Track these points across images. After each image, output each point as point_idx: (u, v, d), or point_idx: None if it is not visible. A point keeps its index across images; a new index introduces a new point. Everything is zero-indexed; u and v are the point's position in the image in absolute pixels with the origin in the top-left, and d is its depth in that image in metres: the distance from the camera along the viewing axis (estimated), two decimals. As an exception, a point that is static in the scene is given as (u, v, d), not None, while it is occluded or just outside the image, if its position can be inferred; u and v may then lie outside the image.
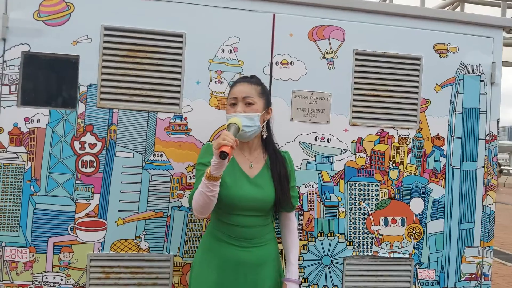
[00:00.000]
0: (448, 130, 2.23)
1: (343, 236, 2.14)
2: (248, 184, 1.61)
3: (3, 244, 1.90)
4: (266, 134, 1.72)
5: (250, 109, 1.64)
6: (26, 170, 1.91)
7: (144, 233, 1.98)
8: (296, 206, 1.79)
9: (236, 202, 1.57)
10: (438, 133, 2.22)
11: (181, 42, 2.00)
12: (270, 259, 1.68)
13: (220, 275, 1.61)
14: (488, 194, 2.26)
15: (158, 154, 2.00)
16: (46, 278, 1.93)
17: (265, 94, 1.73)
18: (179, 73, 2.00)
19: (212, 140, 2.01)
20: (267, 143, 1.75)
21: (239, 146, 1.71)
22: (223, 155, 1.39)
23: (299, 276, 1.68)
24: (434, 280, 2.22)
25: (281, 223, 1.80)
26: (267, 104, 1.72)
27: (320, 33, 2.10)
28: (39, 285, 1.93)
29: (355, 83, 2.13)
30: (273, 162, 1.70)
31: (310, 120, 2.10)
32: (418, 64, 2.19)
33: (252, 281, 1.61)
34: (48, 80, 1.93)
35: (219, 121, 2.01)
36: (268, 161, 1.72)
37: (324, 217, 2.13)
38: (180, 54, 2.00)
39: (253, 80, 1.73)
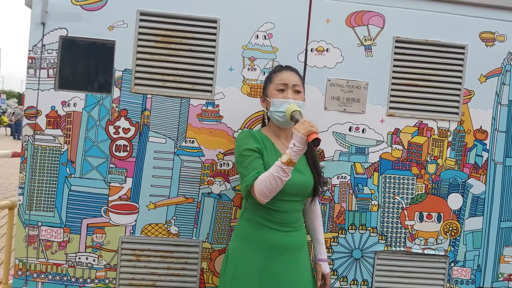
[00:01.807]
0: (492, 124, 2.11)
1: (375, 230, 2.08)
2: (293, 170, 1.59)
3: (39, 224, 1.96)
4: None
5: (299, 97, 1.67)
6: (62, 152, 1.95)
7: (174, 218, 2.00)
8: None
9: (284, 188, 1.55)
10: (481, 126, 2.11)
11: (215, 28, 1.97)
12: (305, 242, 1.72)
13: (265, 260, 1.60)
14: (532, 192, 2.13)
15: (189, 141, 1.99)
16: (79, 258, 1.98)
17: (304, 85, 1.76)
18: (212, 59, 1.98)
19: (244, 128, 1.98)
20: None
21: (276, 133, 1.73)
22: (317, 142, 1.41)
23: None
24: (470, 279, 2.13)
25: (307, 208, 1.81)
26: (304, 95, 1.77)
27: (358, 19, 2.02)
28: (72, 264, 1.98)
29: (394, 71, 2.04)
30: (307, 149, 1.67)
31: (345, 109, 2.04)
32: (462, 53, 2.07)
33: (294, 264, 1.64)
34: (85, 64, 1.95)
35: (251, 109, 1.99)
36: None
37: (356, 209, 2.07)
38: (214, 40, 1.98)
39: (296, 70, 1.75)
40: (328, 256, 2.05)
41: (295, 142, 1.45)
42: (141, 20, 1.95)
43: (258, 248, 1.62)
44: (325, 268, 1.77)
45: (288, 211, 1.63)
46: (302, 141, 1.44)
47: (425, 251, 2.10)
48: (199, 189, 2.01)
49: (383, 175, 2.07)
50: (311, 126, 1.44)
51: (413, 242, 2.10)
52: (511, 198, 2.13)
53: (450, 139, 2.09)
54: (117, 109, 1.96)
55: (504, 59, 2.11)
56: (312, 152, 1.74)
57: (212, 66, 1.98)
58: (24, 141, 1.95)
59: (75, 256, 1.98)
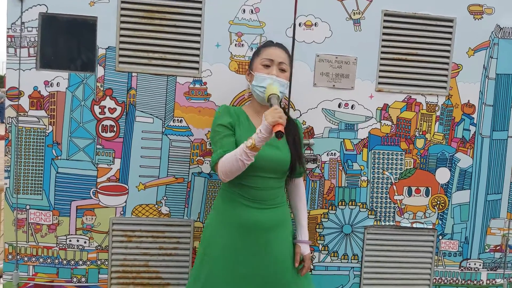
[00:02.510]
0: (479, 97, 2.12)
1: (364, 205, 2.10)
2: (266, 145, 1.56)
3: (28, 207, 1.93)
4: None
5: (283, 76, 1.64)
6: (47, 134, 1.91)
7: (165, 198, 1.99)
8: (304, 171, 1.78)
9: (255, 163, 1.53)
10: (468, 100, 2.11)
11: (200, 2, 1.92)
12: (282, 221, 1.67)
13: (233, 236, 1.60)
14: (518, 165, 2.16)
15: (177, 120, 1.97)
16: (70, 240, 1.97)
17: (290, 63, 1.72)
18: (198, 35, 1.93)
19: (234, 104, 1.96)
20: (283, 108, 1.69)
21: (256, 110, 1.70)
22: (280, 134, 1.38)
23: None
24: (457, 251, 2.18)
25: (290, 188, 1.79)
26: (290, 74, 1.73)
27: (346, -8, 1.98)
28: (63, 247, 1.97)
29: (382, 46, 2.03)
30: (288, 126, 1.62)
31: (334, 85, 2.02)
32: (451, 27, 2.06)
33: (264, 242, 1.61)
34: (67, 42, 1.89)
35: (240, 86, 1.96)
36: None
37: (346, 185, 2.08)
38: (200, 15, 1.93)
39: (285, 47, 1.71)
40: (318, 232, 2.08)
41: (261, 128, 1.42)
42: (123, -5, 1.89)
43: (229, 223, 1.61)
44: (304, 249, 1.70)
45: (261, 187, 1.60)
46: (267, 130, 1.41)
47: (414, 225, 2.13)
48: (189, 168, 1.99)
49: (372, 151, 2.08)
50: (279, 117, 1.39)
51: (402, 216, 2.13)
52: (498, 171, 2.17)
53: (438, 113, 2.10)
54: (102, 88, 1.92)
55: (492, 32, 2.10)
56: (293, 129, 1.69)
57: (198, 42, 1.94)
58: (8, 123, 1.90)
59: (66, 239, 1.97)
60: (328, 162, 2.06)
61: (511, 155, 2.16)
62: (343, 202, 2.09)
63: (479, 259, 2.20)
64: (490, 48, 2.11)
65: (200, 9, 1.92)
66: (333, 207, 2.09)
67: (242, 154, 1.46)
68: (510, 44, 2.11)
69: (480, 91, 2.12)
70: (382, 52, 2.03)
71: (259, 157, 1.52)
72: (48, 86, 1.89)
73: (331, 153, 2.06)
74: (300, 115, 2.02)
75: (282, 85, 1.61)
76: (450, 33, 2.06)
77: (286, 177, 1.71)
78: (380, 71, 2.04)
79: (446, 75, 2.08)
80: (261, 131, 1.42)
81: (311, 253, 1.72)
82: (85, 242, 1.98)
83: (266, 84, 1.58)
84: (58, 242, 1.97)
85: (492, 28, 2.10)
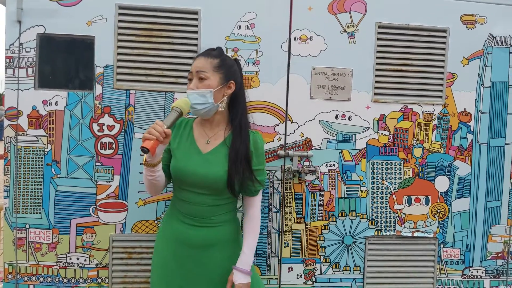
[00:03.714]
0: (475, 106, 2.13)
1: (365, 215, 2.10)
2: (197, 159, 1.52)
3: (27, 226, 1.93)
4: (223, 109, 1.55)
5: (202, 85, 1.49)
6: (46, 152, 1.92)
7: (164, 214, 1.98)
8: (260, 190, 1.60)
9: (182, 176, 1.50)
10: (464, 108, 2.13)
11: (196, 19, 1.94)
12: (219, 241, 1.56)
13: (170, 248, 1.57)
14: (516, 171, 2.17)
15: (176, 135, 1.97)
16: (70, 258, 1.96)
17: (224, 67, 1.54)
18: (195, 51, 1.95)
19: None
20: (233, 118, 1.58)
21: (200, 121, 1.61)
22: (144, 150, 1.31)
23: (251, 266, 1.57)
24: (459, 259, 2.17)
25: (243, 207, 1.67)
26: (227, 79, 1.53)
27: (340, 5, 2.01)
28: (63, 265, 1.96)
29: (377, 58, 2.05)
30: (234, 140, 1.55)
31: (330, 97, 2.04)
32: (444, 37, 2.08)
33: (197, 259, 1.54)
34: (65, 61, 1.91)
35: (237, 100, 1.97)
36: (228, 138, 1.56)
37: (346, 196, 2.09)
38: (196, 32, 1.95)
39: (213, 52, 1.56)
40: (319, 244, 2.07)
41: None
42: (120, 14, 1.91)
43: (168, 236, 1.59)
44: (237, 278, 1.51)
45: (193, 202, 1.53)
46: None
47: (415, 234, 2.13)
48: (188, 183, 1.99)
49: (371, 161, 2.09)
50: (148, 132, 1.34)
51: (403, 225, 2.12)
52: (497, 178, 2.17)
53: (435, 122, 2.11)
54: (100, 106, 1.93)
55: (485, 41, 2.12)
56: (236, 145, 1.53)
57: (195, 58, 1.95)
58: (7, 143, 1.90)
59: (66, 257, 1.96)
60: (327, 173, 2.07)
61: (509, 161, 2.17)
62: (343, 213, 2.09)
63: (481, 266, 2.19)
64: (484, 56, 2.13)
65: (196, 26, 1.95)
66: (334, 218, 2.09)
67: (144, 170, 1.48)
68: (503, 52, 2.14)
69: (476, 99, 2.14)
70: (377, 64, 2.05)
71: (185, 172, 1.50)
72: (47, 105, 1.91)
73: (330, 164, 2.07)
74: (298, 127, 2.03)
75: (202, 95, 1.48)
76: (444, 43, 2.09)
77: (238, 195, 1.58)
78: (376, 82, 2.06)
79: (441, 84, 2.10)
80: None
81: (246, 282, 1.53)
82: (85, 260, 1.97)
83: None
84: (58, 260, 1.96)
85: (485, 37, 2.12)
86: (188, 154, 1.55)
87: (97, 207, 1.95)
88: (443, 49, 2.09)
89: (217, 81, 1.51)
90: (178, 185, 1.57)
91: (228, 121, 1.60)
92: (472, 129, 2.14)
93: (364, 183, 2.09)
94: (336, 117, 2.05)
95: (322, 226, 2.08)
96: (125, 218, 1.97)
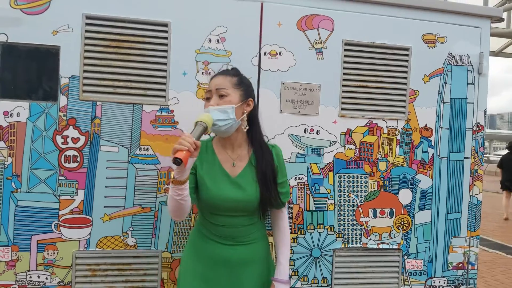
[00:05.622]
0: (436, 121, 2.23)
1: (332, 228, 2.14)
2: (229, 184, 1.55)
3: (-16, 243, 1.83)
4: (247, 128, 1.60)
5: (223, 102, 1.53)
6: (6, 166, 1.84)
7: (131, 229, 1.94)
8: (286, 202, 1.72)
9: (217, 204, 1.52)
10: (426, 124, 2.22)
11: (166, 31, 1.93)
12: (257, 257, 1.63)
13: (204, 266, 1.59)
14: (474, 184, 2.28)
15: (144, 148, 1.94)
16: (30, 277, 1.87)
17: (243, 85, 1.60)
18: (165, 64, 1.94)
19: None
20: (253, 138, 1.64)
21: (222, 143, 1.64)
22: (177, 162, 1.31)
23: (289, 275, 1.65)
24: (422, 270, 2.24)
25: (272, 220, 1.74)
26: (246, 96, 1.60)
27: (309, 22, 2.06)
28: (23, 284, 1.87)
29: (344, 74, 2.11)
30: (259, 159, 1.60)
31: (299, 112, 2.07)
32: (407, 55, 2.18)
33: (236, 278, 1.58)
34: (28, 71, 1.84)
35: (207, 114, 1.96)
36: (252, 158, 1.62)
37: (314, 209, 2.12)
38: (166, 44, 1.94)
39: (230, 71, 1.65)
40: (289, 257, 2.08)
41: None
42: (87, 24, 1.87)
43: (202, 255, 1.60)
44: None
45: (228, 225, 1.57)
46: (172, 160, 1.34)
47: (380, 246, 2.19)
48: (156, 197, 1.96)
49: (338, 174, 2.13)
50: (179, 143, 1.34)
51: (369, 237, 2.17)
52: (457, 191, 2.27)
53: (398, 137, 2.19)
54: (64, 118, 1.87)
55: (445, 60, 2.23)
56: (263, 165, 1.59)
57: (165, 70, 1.94)
58: (-38, 156, 1.81)
59: (26, 275, 1.87)
60: (296, 186, 2.09)
61: (468, 175, 2.27)
62: (312, 226, 2.12)
63: (443, 277, 2.27)
64: (444, 74, 2.24)
65: (166, 38, 1.94)
66: (302, 231, 2.11)
67: (171, 190, 1.43)
68: (462, 71, 2.25)
69: (437, 115, 2.23)
70: (344, 80, 2.11)
71: (220, 199, 1.51)
72: (8, 117, 1.83)
73: (299, 178, 2.10)
74: (268, 140, 2.05)
75: (223, 112, 1.51)
76: (407, 61, 2.18)
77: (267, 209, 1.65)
78: (342, 97, 2.11)
79: (404, 101, 2.19)
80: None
81: None
82: (46, 278, 1.88)
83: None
84: (17, 279, 1.86)
85: (445, 55, 2.23)
86: (219, 180, 1.56)
87: (60, 222, 1.88)
88: (406, 66, 2.18)
89: (237, 97, 1.56)
90: (209, 210, 1.57)
91: (248, 141, 1.64)
92: (433, 144, 2.23)
93: (331, 196, 2.13)
94: (305, 131, 2.09)
95: (291, 239, 2.09)
96: (89, 234, 1.90)
